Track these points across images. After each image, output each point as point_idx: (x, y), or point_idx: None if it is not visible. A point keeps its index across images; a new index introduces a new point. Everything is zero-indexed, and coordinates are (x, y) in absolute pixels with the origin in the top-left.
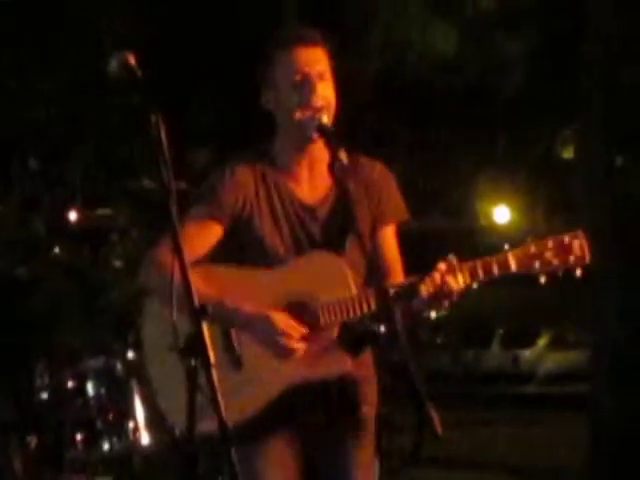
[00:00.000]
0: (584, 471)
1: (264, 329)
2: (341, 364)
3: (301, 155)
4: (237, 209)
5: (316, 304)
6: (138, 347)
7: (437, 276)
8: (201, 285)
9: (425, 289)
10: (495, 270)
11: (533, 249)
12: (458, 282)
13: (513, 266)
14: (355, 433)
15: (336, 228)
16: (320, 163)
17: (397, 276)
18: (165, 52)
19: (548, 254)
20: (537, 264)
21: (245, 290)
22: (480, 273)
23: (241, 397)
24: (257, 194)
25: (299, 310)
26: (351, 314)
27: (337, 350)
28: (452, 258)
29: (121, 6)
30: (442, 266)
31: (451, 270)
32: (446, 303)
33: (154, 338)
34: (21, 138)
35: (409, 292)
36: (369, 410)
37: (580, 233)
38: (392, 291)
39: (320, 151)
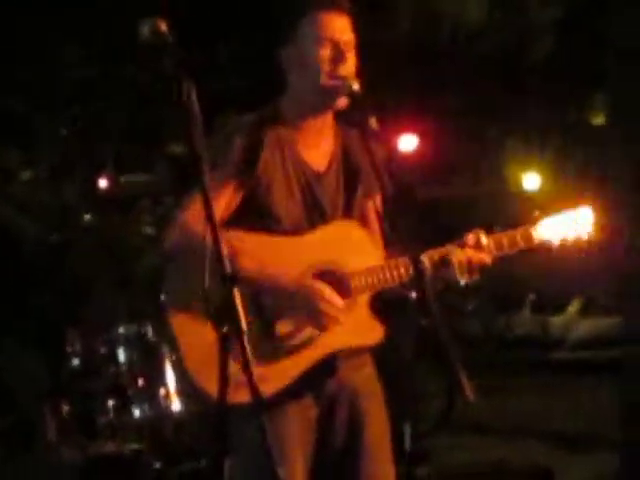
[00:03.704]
0: (615, 437)
1: (306, 298)
2: (377, 332)
3: (314, 119)
4: (254, 172)
5: (344, 272)
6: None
7: (466, 249)
8: (238, 250)
9: (456, 260)
10: (520, 243)
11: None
12: (485, 255)
13: (536, 240)
14: (363, 394)
15: (340, 195)
16: (329, 129)
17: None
18: (193, 14)
19: (562, 228)
20: (555, 238)
21: (271, 259)
22: (505, 246)
23: (276, 366)
24: (272, 157)
25: (328, 279)
26: (382, 281)
27: (370, 318)
28: (479, 231)
29: None
30: (470, 239)
31: (478, 243)
32: (474, 273)
33: (180, 303)
34: (51, 105)
35: (441, 264)
36: (369, 370)
37: (587, 207)
38: (426, 260)
39: (331, 117)
